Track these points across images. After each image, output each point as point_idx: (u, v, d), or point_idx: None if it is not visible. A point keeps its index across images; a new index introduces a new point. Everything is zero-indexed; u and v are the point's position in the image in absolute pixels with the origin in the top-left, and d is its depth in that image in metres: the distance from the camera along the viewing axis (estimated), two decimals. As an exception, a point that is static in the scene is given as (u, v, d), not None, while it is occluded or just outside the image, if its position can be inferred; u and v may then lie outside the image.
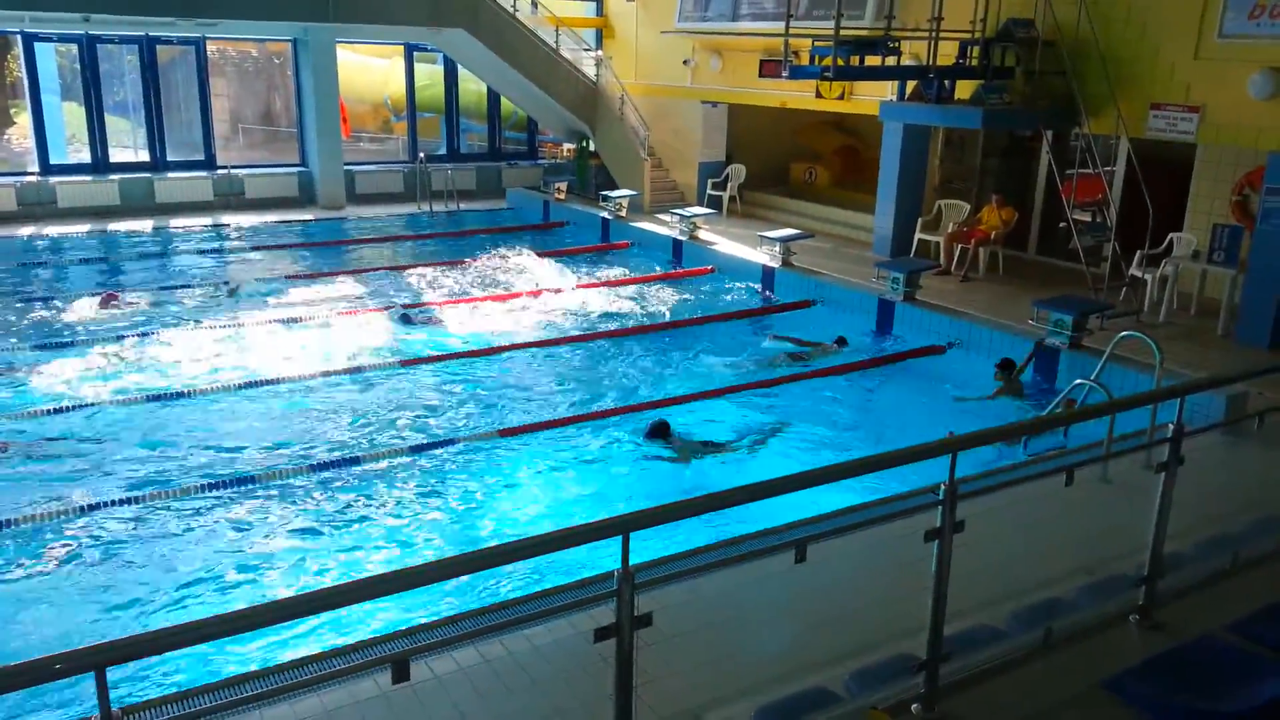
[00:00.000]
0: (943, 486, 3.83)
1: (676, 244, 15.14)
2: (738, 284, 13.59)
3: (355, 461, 7.79)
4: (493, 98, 20.12)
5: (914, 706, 4.04)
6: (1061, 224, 11.99)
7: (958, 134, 14.98)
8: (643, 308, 12.67)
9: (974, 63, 12.24)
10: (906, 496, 5.11)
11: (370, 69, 21.27)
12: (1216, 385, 7.14)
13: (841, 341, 10.92)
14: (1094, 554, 5.42)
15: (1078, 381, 7.68)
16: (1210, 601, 5.03)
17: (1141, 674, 4.32)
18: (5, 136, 18.30)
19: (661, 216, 16.47)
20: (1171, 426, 4.58)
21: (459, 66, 19.21)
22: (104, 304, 11.81)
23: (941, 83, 12.39)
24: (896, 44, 12.17)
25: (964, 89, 12.62)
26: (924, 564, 3.94)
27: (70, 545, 6.46)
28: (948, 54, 12.31)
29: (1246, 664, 4.44)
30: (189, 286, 12.98)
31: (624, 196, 16.92)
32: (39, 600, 5.88)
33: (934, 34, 11.80)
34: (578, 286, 13.43)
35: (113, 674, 2.42)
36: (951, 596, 3.95)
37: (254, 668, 4.65)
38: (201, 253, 15.06)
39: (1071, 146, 12.15)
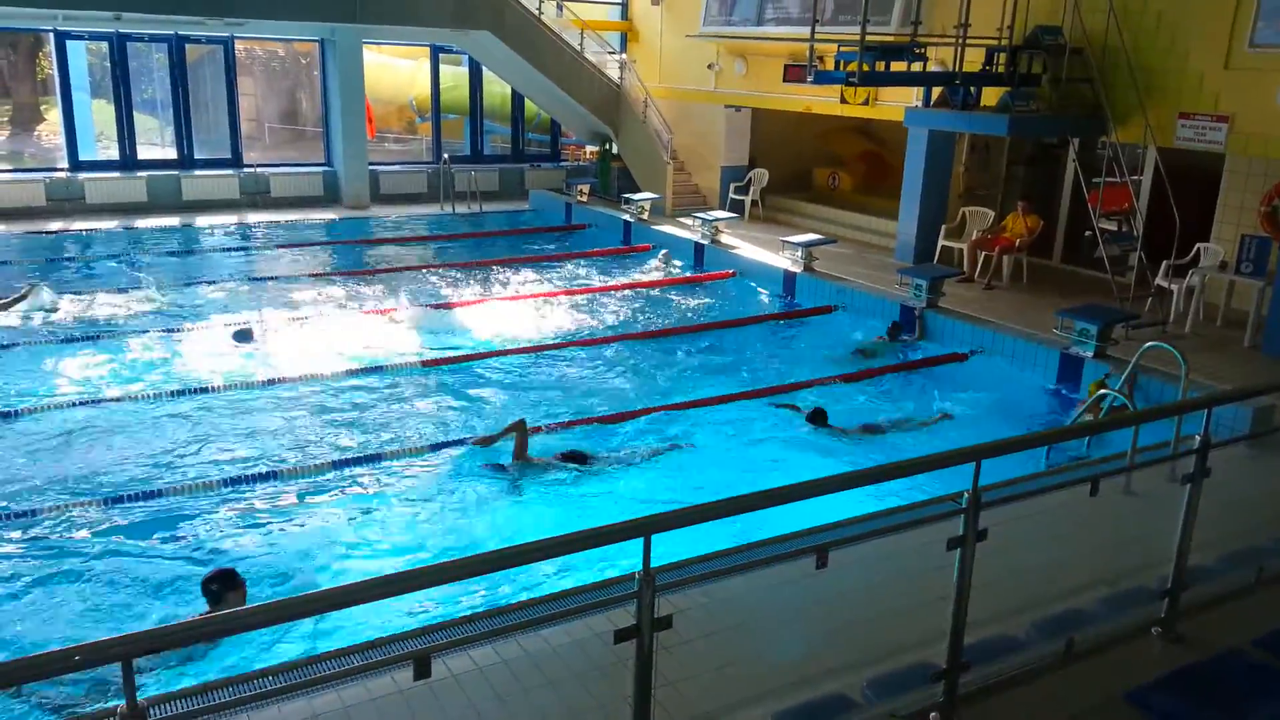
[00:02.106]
0: (966, 495, 3.80)
1: (698, 248, 15.13)
2: (759, 288, 13.57)
3: (375, 459, 7.83)
4: (516, 100, 20.20)
5: (932, 715, 4.02)
6: (1087, 232, 11.89)
7: (983, 141, 14.91)
8: (663, 311, 12.67)
9: (1001, 69, 12.16)
10: (929, 504, 5.08)
11: (396, 70, 21.40)
12: (1243, 397, 7.09)
13: (896, 329, 11.17)
14: (1116, 565, 5.38)
15: (1102, 391, 7.63)
16: (1234, 616, 4.98)
17: (1164, 687, 4.28)
18: (36, 133, 18.54)
19: (683, 220, 16.47)
20: (1198, 438, 4.53)
21: (484, 68, 19.28)
22: None
23: (967, 89, 12.33)
24: (922, 50, 12.12)
25: (990, 96, 12.55)
26: (945, 572, 3.92)
27: (96, 540, 6.53)
28: (974, 60, 12.24)
29: (1271, 679, 4.39)
30: (212, 283, 13.11)
31: (646, 200, 16.93)
32: (68, 593, 5.94)
33: (961, 40, 11.75)
34: (601, 289, 13.48)
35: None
36: (972, 605, 3.93)
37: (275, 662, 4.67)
38: (226, 250, 15.21)
39: (1098, 155, 12.05)
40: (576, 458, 7.79)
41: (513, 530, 6.83)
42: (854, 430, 8.61)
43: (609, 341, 11.19)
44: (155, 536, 6.58)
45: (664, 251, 15.41)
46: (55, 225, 15.37)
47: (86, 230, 15.26)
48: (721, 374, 10.25)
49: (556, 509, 7.21)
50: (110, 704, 3.87)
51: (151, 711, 2.51)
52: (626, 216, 16.83)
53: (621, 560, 5.60)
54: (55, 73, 16.60)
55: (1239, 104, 10.47)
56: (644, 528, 3.15)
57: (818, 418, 8.58)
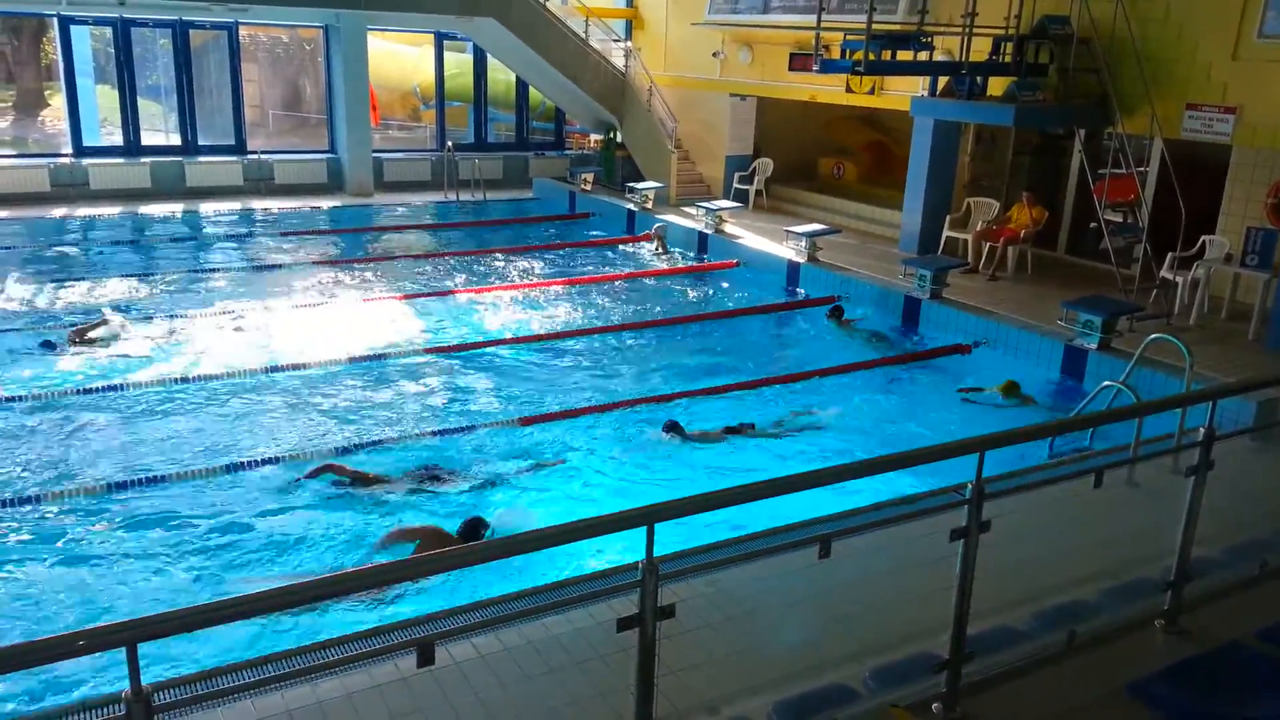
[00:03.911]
0: (969, 486, 3.80)
1: (702, 237, 15.11)
2: (763, 278, 13.55)
3: (376, 445, 7.84)
4: (521, 87, 20.15)
5: (935, 706, 4.02)
6: (1092, 224, 11.86)
7: (989, 131, 14.85)
8: (666, 301, 12.66)
9: (1007, 59, 12.11)
10: (932, 495, 5.09)
11: (400, 57, 21.34)
12: (1248, 390, 7.08)
13: (837, 311, 11.36)
14: (1119, 557, 5.38)
15: (1106, 383, 7.61)
16: (1237, 608, 4.98)
17: (1166, 679, 4.28)
18: (40, 118, 18.52)
19: (687, 209, 16.43)
20: (1202, 430, 4.53)
21: (488, 56, 19.23)
22: None
23: (974, 79, 12.28)
24: (929, 39, 12.07)
25: (996, 85, 12.50)
26: (948, 563, 3.92)
27: (104, 524, 6.54)
28: (981, 50, 12.19)
29: (1274, 672, 4.39)
30: (218, 270, 13.11)
31: (650, 188, 16.89)
32: (74, 578, 5.95)
33: (967, 29, 11.69)
34: (604, 278, 13.49)
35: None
36: (975, 596, 3.93)
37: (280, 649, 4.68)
38: (229, 237, 15.21)
39: (1104, 146, 12.01)
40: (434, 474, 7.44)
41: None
42: (716, 434, 8.21)
43: (611, 330, 11.18)
44: (161, 522, 6.60)
45: (658, 225, 15.30)
46: (59, 211, 15.40)
47: (90, 216, 15.30)
48: (724, 364, 10.24)
49: (558, 503, 7.22)
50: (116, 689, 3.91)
51: (155, 696, 2.52)
52: (630, 205, 16.79)
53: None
54: (59, 58, 16.57)
55: (1247, 95, 10.42)
56: (647, 516, 3.16)
57: (674, 428, 8.11)
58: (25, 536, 6.38)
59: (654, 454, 7.95)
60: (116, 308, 10.54)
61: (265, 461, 7.48)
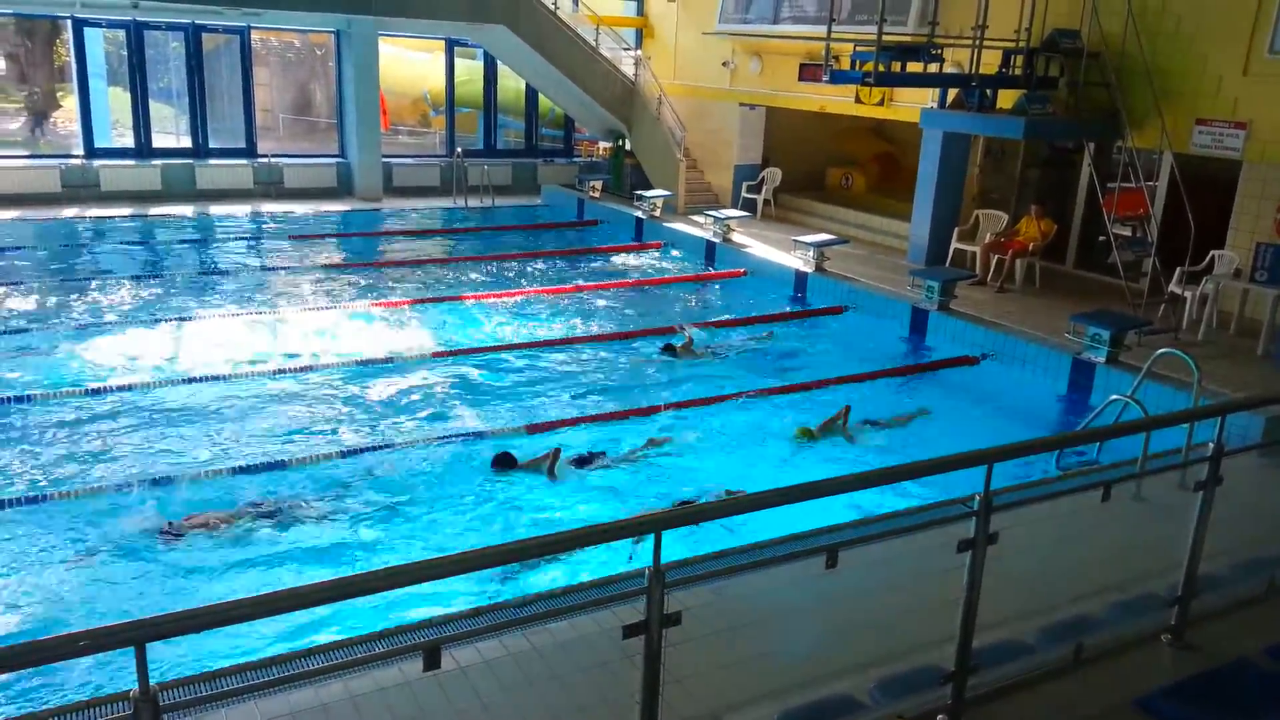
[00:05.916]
0: (977, 497, 3.79)
1: (710, 245, 15.12)
2: (770, 287, 13.54)
3: (385, 448, 7.84)
4: (531, 94, 20.21)
5: (939, 718, 4.01)
6: (1101, 237, 11.84)
7: (998, 143, 14.85)
8: (674, 309, 12.66)
9: (1017, 72, 12.11)
10: (940, 506, 5.08)
11: (411, 63, 21.43)
12: (1257, 406, 7.06)
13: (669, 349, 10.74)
14: (1126, 571, 5.35)
15: (1114, 397, 7.59)
16: (1245, 624, 4.96)
17: (1173, 694, 4.26)
18: (52, 119, 18.60)
19: (695, 218, 16.45)
20: (1211, 445, 4.51)
21: (498, 63, 19.30)
22: None
23: (984, 91, 12.29)
24: (939, 51, 12.08)
25: (1006, 98, 12.51)
26: (955, 575, 3.91)
27: (112, 525, 6.56)
28: (991, 62, 12.19)
29: (1281, 689, 4.37)
30: (225, 273, 13.15)
31: (658, 197, 16.92)
32: (84, 577, 5.96)
33: (977, 42, 11.70)
34: (611, 285, 13.50)
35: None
36: (981, 608, 3.92)
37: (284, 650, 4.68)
38: (237, 239, 15.26)
39: (1113, 159, 12.00)
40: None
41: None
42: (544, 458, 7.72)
43: (616, 338, 11.18)
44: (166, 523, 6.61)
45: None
46: (70, 212, 15.47)
47: (101, 217, 15.37)
48: (728, 372, 10.23)
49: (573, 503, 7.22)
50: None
51: (162, 696, 2.52)
52: (638, 213, 16.82)
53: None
54: (72, 60, 16.67)
55: (1257, 110, 10.41)
56: (655, 524, 3.16)
57: (504, 462, 7.58)
58: (31, 537, 6.40)
59: (662, 463, 7.95)
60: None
61: (270, 466, 7.50)
